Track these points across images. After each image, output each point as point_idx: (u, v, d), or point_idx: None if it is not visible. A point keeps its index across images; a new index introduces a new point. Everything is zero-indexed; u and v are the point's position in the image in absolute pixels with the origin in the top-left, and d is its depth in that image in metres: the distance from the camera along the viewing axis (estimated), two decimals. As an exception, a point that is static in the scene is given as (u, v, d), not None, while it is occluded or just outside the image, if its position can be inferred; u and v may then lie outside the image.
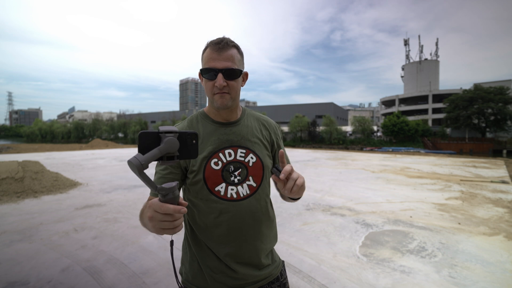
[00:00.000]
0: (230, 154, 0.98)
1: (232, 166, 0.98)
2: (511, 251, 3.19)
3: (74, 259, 2.93)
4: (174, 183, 0.64)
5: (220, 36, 0.95)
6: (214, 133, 1.00)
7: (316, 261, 2.94)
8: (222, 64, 0.90)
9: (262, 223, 1.01)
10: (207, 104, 1.07)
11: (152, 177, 0.82)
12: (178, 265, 1.05)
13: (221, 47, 0.91)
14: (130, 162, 0.57)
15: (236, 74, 0.93)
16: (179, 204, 0.66)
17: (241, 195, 0.97)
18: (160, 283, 2.51)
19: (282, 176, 0.79)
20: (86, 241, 3.43)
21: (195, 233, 1.00)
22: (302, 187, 0.85)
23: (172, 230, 0.67)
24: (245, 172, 0.99)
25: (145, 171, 0.58)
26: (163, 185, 0.63)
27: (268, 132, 1.10)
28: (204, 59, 0.94)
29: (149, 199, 0.96)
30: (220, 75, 0.90)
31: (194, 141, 0.67)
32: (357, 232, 3.81)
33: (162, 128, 0.63)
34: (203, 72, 0.93)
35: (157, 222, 0.66)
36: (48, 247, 3.24)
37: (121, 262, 2.89)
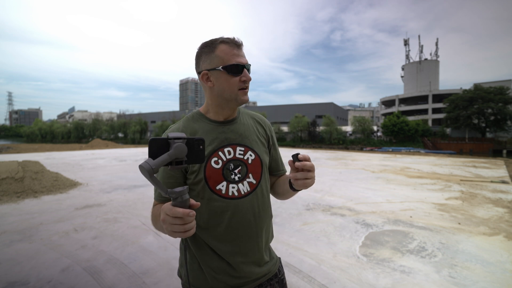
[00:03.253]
0: (229, 152, 0.98)
1: (232, 164, 0.98)
2: (511, 251, 3.19)
3: (74, 259, 2.93)
4: (184, 187, 0.67)
5: (216, 35, 0.95)
6: (212, 132, 0.99)
7: (316, 261, 2.94)
8: (245, 59, 0.94)
9: (263, 219, 1.02)
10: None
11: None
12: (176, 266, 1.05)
13: (239, 44, 0.94)
14: (141, 167, 0.61)
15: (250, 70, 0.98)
16: (190, 206, 0.68)
17: (242, 193, 0.97)
18: (160, 283, 2.51)
19: (298, 164, 0.83)
20: (86, 241, 3.43)
21: (195, 233, 0.99)
22: (305, 186, 0.88)
23: (183, 234, 0.69)
24: (245, 169, 0.99)
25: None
26: (174, 189, 0.66)
27: (263, 129, 1.11)
28: (223, 56, 0.91)
29: (154, 204, 0.99)
30: (246, 70, 0.93)
31: (201, 147, 0.70)
32: (357, 232, 3.81)
33: (171, 135, 0.66)
34: (229, 69, 0.91)
35: (168, 225, 0.68)
36: (48, 247, 3.24)
37: (121, 262, 2.89)
